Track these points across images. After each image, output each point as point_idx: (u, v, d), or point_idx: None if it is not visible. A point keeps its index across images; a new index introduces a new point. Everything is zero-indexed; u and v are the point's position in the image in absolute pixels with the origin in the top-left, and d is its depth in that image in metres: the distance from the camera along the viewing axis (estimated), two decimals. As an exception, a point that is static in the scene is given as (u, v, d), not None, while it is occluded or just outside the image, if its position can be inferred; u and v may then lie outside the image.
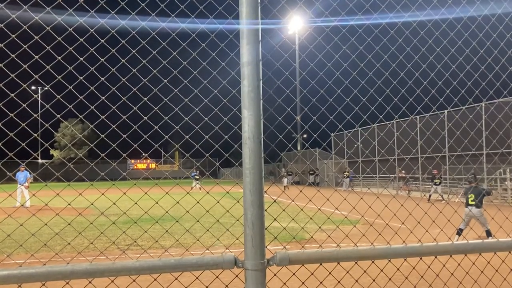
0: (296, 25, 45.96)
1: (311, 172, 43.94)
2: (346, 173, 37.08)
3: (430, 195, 24.24)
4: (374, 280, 3.13)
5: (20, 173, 20.37)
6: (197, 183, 31.15)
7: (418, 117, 25.39)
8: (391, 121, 27.11)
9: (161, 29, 2.78)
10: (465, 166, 25.17)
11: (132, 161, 79.29)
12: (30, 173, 20.87)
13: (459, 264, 3.24)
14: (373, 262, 2.90)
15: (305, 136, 46.02)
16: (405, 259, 2.93)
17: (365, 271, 3.04)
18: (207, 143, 3.08)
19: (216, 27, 2.82)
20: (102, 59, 2.70)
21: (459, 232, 10.54)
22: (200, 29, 2.83)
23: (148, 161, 79.69)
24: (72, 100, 2.74)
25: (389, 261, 2.95)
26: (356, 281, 3.11)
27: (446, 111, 22.48)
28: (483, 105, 19.97)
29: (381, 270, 3.10)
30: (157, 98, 2.83)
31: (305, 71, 3.28)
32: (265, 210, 2.56)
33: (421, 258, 2.98)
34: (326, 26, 3.27)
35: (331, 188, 34.42)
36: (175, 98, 2.88)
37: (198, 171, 34.10)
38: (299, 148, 47.85)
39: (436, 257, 2.95)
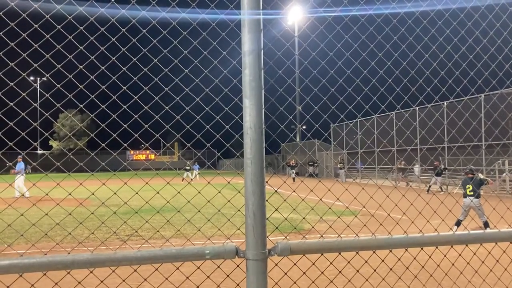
0: (297, 14, 45.68)
1: (310, 163, 43.96)
2: (340, 164, 37.01)
3: (429, 186, 24.28)
4: (375, 270, 3.13)
5: (18, 164, 20.53)
6: (196, 174, 31.51)
7: (418, 107, 25.33)
8: (392, 112, 27.08)
9: (161, 18, 2.75)
10: (465, 157, 25.20)
11: (132, 151, 79.32)
12: (28, 165, 21.06)
13: (460, 255, 3.24)
14: (374, 252, 2.90)
15: (304, 127, 45.98)
16: (406, 250, 2.93)
17: (366, 261, 3.05)
18: (208, 133, 3.06)
19: (217, 16, 2.79)
20: (102, 48, 2.67)
21: (458, 223, 10.59)
22: (201, 18, 2.80)
23: (148, 151, 79.72)
24: (72, 90, 2.72)
25: (390, 251, 2.95)
26: (357, 271, 3.11)
27: (446, 102, 22.47)
28: (483, 96, 19.94)
29: (382, 260, 3.10)
30: (157, 87, 2.81)
31: (306, 61, 3.26)
32: (266, 200, 2.55)
33: (422, 249, 2.98)
34: (327, 16, 3.24)
35: (330, 179, 34.45)
36: (175, 88, 2.86)
37: (188, 162, 34.62)
38: (298, 139, 47.83)
39: (437, 247, 2.94)
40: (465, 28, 3.40)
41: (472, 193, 10.79)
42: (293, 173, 35.76)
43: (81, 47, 2.63)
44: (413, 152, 28.99)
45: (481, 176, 11.71)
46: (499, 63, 3.51)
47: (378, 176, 32.93)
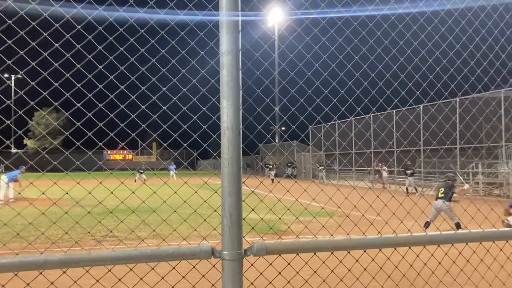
0: (276, 16, 45.83)
1: (288, 164, 44.15)
2: (320, 167, 37.20)
3: (407, 188, 24.68)
4: (349, 270, 3.17)
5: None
6: (174, 174, 31.97)
7: (394, 110, 25.75)
8: (368, 115, 27.46)
9: (139, 17, 2.73)
10: (439, 160, 25.72)
11: (109, 151, 78.23)
12: (1, 163, 20.72)
13: (432, 255, 3.31)
14: (348, 252, 2.93)
15: (283, 128, 46.18)
16: (380, 250, 2.98)
17: (340, 261, 3.08)
18: (186, 133, 3.05)
19: (196, 15, 2.79)
20: (78, 46, 2.64)
21: (427, 224, 10.77)
22: (179, 18, 2.80)
23: (125, 151, 78.83)
24: (47, 88, 2.67)
25: (365, 251, 2.99)
26: (332, 271, 3.14)
27: (422, 105, 22.89)
28: (458, 99, 20.39)
29: (357, 260, 3.15)
30: (134, 86, 2.79)
31: (285, 62, 3.29)
32: (243, 201, 2.56)
33: (395, 249, 3.03)
34: (306, 18, 3.27)
35: (308, 180, 34.66)
36: (153, 87, 2.85)
37: (143, 165, 35.37)
38: (277, 140, 48.01)
39: (410, 247, 3.00)
40: (436, 33, 3.48)
41: (442, 195, 11.05)
42: (271, 174, 35.88)
43: (57, 45, 2.60)
44: (389, 154, 29.43)
45: (458, 184, 11.96)
46: (471, 68, 3.60)
47: (355, 178, 33.26)
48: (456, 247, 3.31)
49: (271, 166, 38.10)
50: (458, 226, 10.60)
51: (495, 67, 3.67)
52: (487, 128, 4.83)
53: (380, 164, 30.69)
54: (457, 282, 3.59)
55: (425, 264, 3.38)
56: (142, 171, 33.48)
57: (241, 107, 2.61)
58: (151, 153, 73.99)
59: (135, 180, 30.12)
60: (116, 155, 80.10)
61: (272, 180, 33.42)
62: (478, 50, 3.64)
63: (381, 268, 3.24)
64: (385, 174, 30.13)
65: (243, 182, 2.59)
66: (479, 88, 3.64)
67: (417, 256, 3.28)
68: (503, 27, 3.68)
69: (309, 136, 39.81)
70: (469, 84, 3.61)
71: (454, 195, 11.09)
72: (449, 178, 11.87)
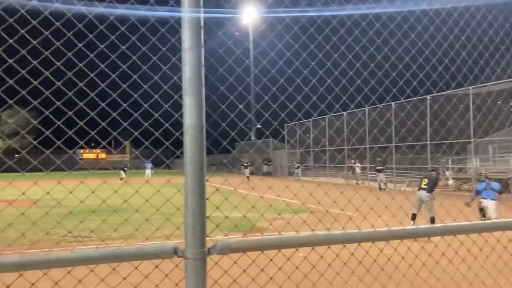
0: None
1: (264, 161, 44.26)
2: (297, 164, 37.34)
3: (379, 184, 25.06)
4: (314, 266, 3.19)
5: None
6: (149, 173, 32.20)
7: (367, 108, 26.05)
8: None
9: (99, 12, 2.67)
10: (407, 156, 26.22)
11: (82, 151, 76.72)
12: None
13: (395, 249, 3.36)
14: (313, 249, 2.94)
15: (259, 126, 46.23)
16: (344, 245, 3.00)
17: (305, 258, 3.09)
18: (151, 132, 3.00)
19: (157, 11, 2.74)
20: (34, 42, 2.56)
21: (413, 217, 10.93)
22: (140, 13, 2.75)
23: (98, 151, 77.59)
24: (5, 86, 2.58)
25: (329, 247, 3.01)
26: (297, 267, 3.15)
27: (393, 103, 23.25)
28: (429, 97, 20.80)
29: (321, 257, 3.17)
30: (95, 84, 2.73)
31: (256, 62, 3.29)
32: (207, 198, 2.54)
33: (359, 244, 3.06)
34: (272, 16, 3.26)
35: (285, 178, 34.80)
36: (113, 85, 2.79)
37: (128, 163, 36.15)
38: (253, 138, 48.04)
39: (373, 243, 3.03)
40: (403, 30, 3.52)
41: (426, 186, 11.20)
42: (246, 172, 35.91)
43: (11, 41, 2.52)
44: (362, 151, 29.82)
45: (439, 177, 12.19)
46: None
47: (330, 175, 33.53)
48: (419, 241, 3.37)
49: (246, 164, 38.09)
50: (432, 220, 10.71)
51: (456, 64, 3.74)
52: (448, 125, 4.94)
53: (353, 161, 31.08)
54: (419, 276, 3.65)
55: (389, 259, 3.42)
56: (126, 169, 33.76)
57: (204, 104, 2.59)
58: (125, 152, 73.04)
59: (121, 179, 30.30)
60: (90, 154, 78.77)
61: (248, 177, 33.44)
62: (439, 48, 3.70)
63: (345, 263, 3.27)
64: (358, 170, 30.58)
65: (207, 180, 2.56)
66: (440, 85, 3.70)
67: (381, 251, 3.33)
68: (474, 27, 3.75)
69: (285, 135, 39.92)
70: (431, 81, 3.67)
71: (437, 188, 11.25)
72: (434, 170, 12.06)
